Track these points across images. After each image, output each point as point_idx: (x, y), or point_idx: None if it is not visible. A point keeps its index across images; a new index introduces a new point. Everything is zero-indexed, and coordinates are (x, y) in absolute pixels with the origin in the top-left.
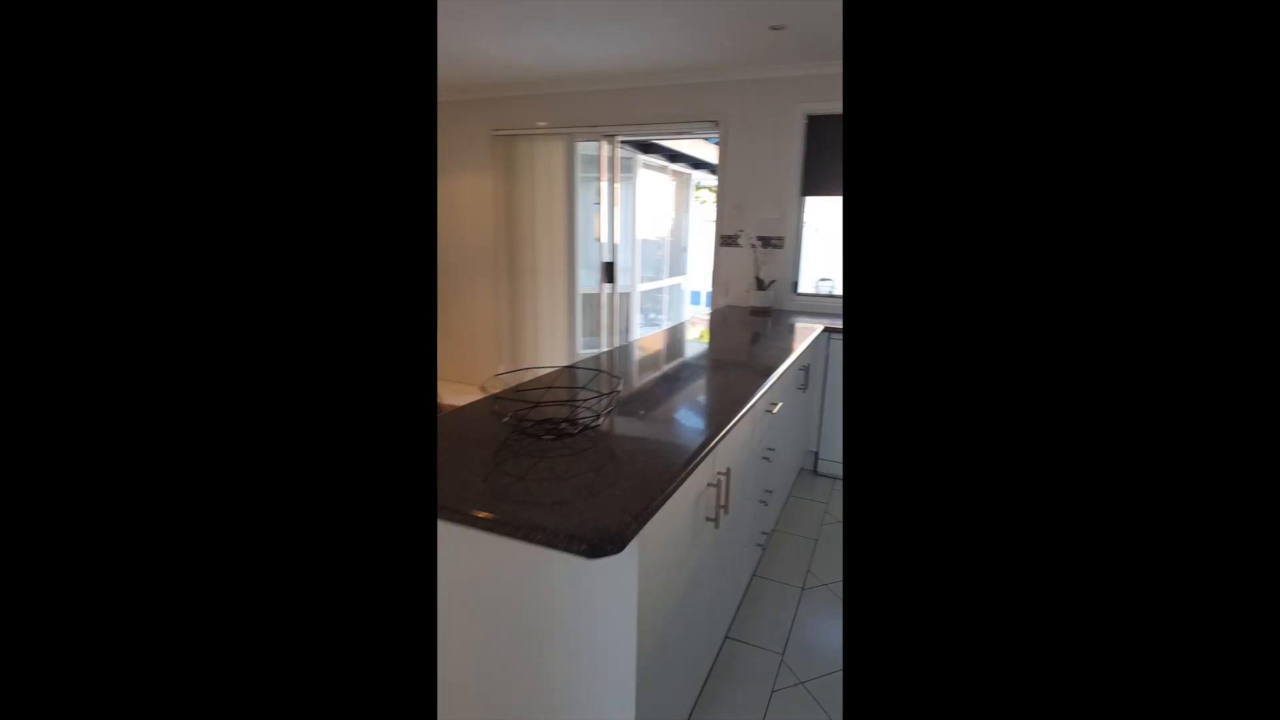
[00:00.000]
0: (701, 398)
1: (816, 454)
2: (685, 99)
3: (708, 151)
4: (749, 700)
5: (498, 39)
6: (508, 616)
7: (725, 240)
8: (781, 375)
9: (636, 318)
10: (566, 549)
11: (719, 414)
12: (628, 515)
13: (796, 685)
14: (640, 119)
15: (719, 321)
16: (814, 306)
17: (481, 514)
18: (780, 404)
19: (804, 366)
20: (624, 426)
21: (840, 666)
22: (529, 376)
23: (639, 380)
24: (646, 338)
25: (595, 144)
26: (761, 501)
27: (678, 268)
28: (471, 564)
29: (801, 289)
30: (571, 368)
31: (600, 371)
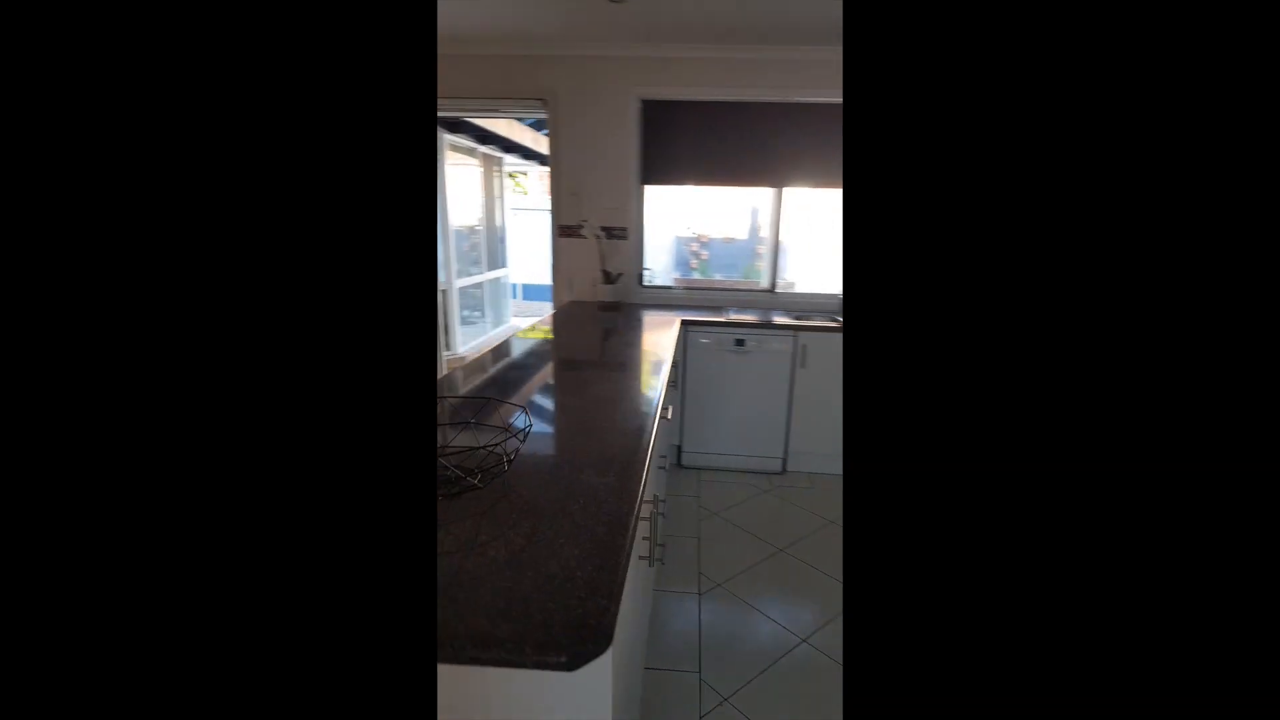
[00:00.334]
0: (606, 411)
1: (680, 447)
2: (509, 73)
3: (522, 134)
4: None
5: None
6: None
7: (564, 231)
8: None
9: (456, 318)
10: (538, 664)
11: (633, 431)
12: (600, 596)
13: (722, 704)
14: (455, 92)
15: (569, 320)
16: (664, 299)
17: None
18: (671, 407)
19: (676, 362)
20: (532, 462)
21: (760, 670)
22: None
23: (528, 398)
24: (491, 345)
25: None
26: (661, 515)
27: (496, 260)
28: None
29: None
30: (442, 398)
31: (492, 400)
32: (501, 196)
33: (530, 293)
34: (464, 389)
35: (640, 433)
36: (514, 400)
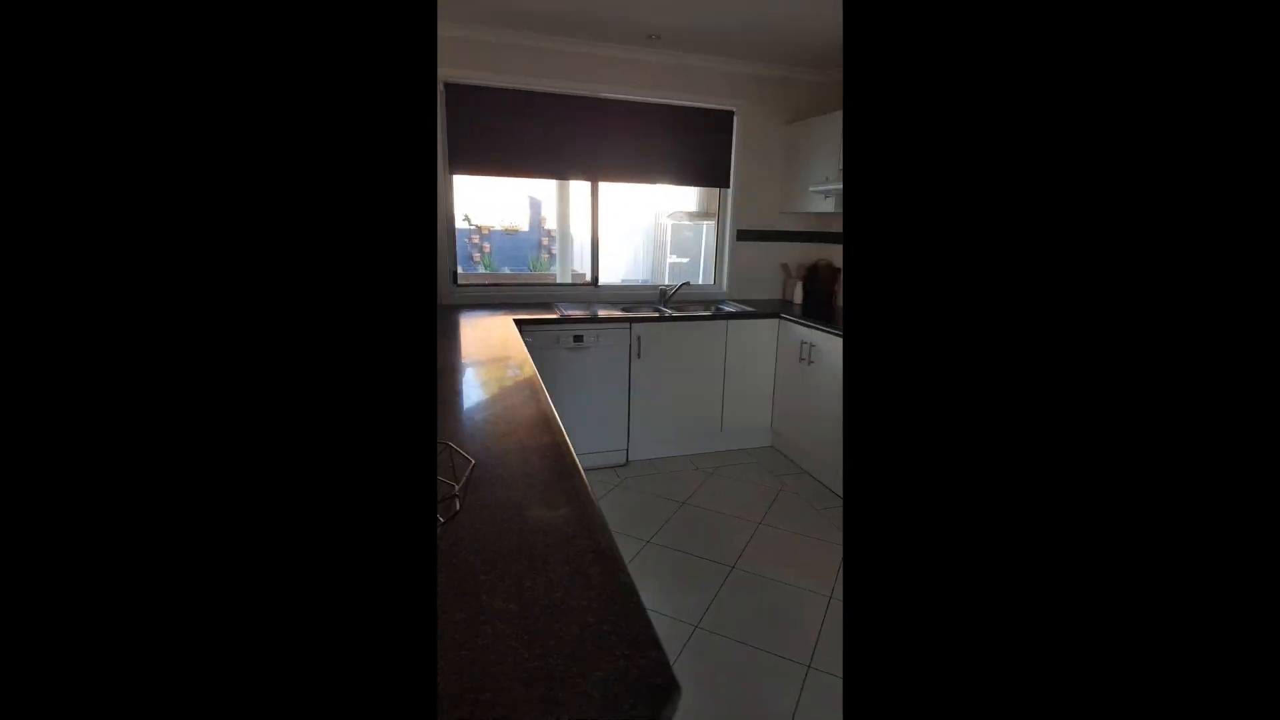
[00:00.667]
0: (509, 431)
1: None
2: None
3: None
4: None
5: None
6: None
7: None
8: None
9: None
10: None
11: (550, 449)
12: (646, 647)
13: None
14: None
15: None
16: (482, 298)
17: None
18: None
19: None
20: (487, 495)
21: None
22: None
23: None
24: None
25: None
26: None
27: None
28: None
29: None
30: None
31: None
32: None
33: None
34: None
35: (558, 450)
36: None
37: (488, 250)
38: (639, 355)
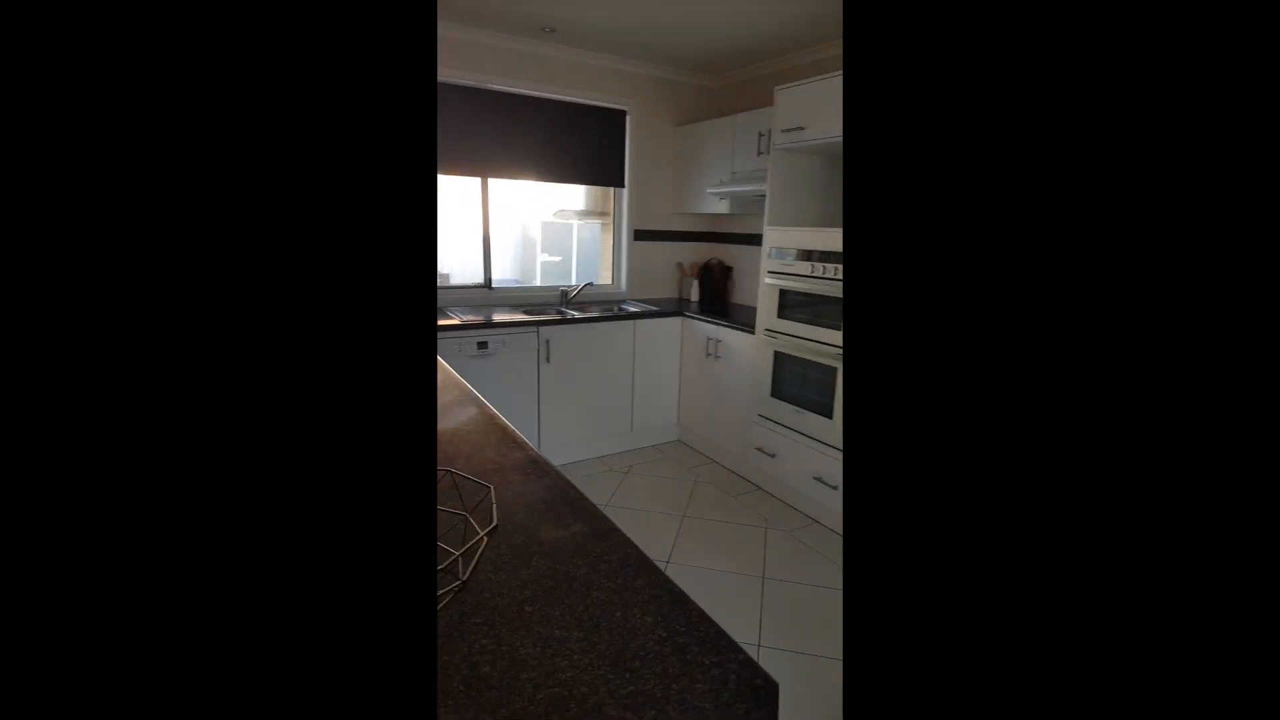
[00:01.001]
0: (475, 450)
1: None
2: None
3: None
4: None
5: None
6: None
7: None
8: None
9: None
10: None
11: (530, 465)
12: (727, 650)
13: None
14: None
15: None
16: None
17: None
18: None
19: None
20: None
21: None
22: None
23: None
24: None
25: None
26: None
27: None
28: None
29: None
30: None
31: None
32: None
33: None
34: None
35: (537, 466)
36: None
37: None
38: (548, 359)
